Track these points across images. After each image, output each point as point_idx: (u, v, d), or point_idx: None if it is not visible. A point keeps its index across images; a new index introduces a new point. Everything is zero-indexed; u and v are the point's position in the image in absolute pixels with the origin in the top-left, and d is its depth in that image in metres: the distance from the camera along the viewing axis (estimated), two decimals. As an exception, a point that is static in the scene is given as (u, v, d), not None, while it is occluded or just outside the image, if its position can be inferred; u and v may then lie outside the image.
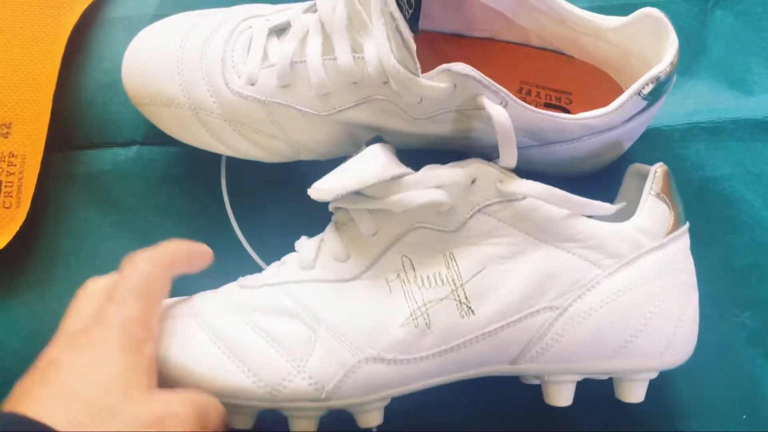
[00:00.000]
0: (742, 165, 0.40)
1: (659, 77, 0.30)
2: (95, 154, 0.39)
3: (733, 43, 0.43)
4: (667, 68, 0.31)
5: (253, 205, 0.39)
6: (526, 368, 0.30)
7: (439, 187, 0.28)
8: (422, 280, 0.29)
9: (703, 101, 0.42)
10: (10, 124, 0.39)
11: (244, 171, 0.38)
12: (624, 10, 0.42)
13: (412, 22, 0.27)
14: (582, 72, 0.38)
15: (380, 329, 0.29)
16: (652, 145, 0.40)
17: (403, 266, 0.29)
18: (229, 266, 0.37)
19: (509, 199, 0.29)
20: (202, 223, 0.38)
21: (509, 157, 0.29)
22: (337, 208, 0.31)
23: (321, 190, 0.28)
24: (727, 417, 0.36)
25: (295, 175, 0.36)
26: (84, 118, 0.40)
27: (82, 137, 0.39)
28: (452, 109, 0.30)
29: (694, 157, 0.40)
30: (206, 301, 0.30)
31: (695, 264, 0.33)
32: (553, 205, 0.29)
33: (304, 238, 0.32)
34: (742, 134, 0.40)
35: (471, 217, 0.29)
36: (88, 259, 0.38)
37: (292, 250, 0.33)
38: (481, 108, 0.29)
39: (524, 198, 0.29)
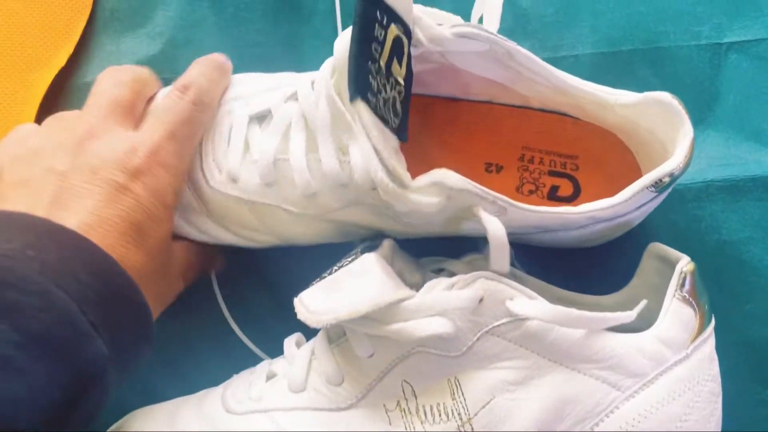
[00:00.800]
0: (761, 227, 0.37)
1: (673, 173, 0.28)
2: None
3: (749, 89, 0.40)
4: (681, 163, 0.28)
5: (242, 285, 0.37)
6: None
7: (442, 314, 0.26)
8: (425, 412, 0.26)
9: (719, 155, 0.39)
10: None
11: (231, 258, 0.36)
12: (630, 57, 0.40)
13: (400, 131, 0.24)
14: (588, 134, 0.35)
15: None
16: (665, 205, 0.37)
17: (404, 393, 0.27)
18: (221, 353, 0.36)
19: (520, 317, 0.26)
20: (195, 310, 0.36)
21: (502, 265, 0.26)
22: None
23: (308, 315, 0.25)
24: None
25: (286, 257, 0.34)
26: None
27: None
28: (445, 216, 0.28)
29: (710, 219, 0.38)
30: (192, 421, 0.28)
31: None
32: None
33: (292, 343, 0.30)
34: (761, 193, 0.38)
35: (478, 339, 0.27)
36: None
37: (287, 329, 0.31)
38: (476, 216, 0.26)
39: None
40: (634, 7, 0.41)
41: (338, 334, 0.28)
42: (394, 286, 0.26)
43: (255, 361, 0.33)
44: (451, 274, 0.29)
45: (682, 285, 0.28)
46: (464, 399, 0.26)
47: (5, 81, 0.39)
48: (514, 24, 0.41)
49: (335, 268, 0.28)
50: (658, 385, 0.27)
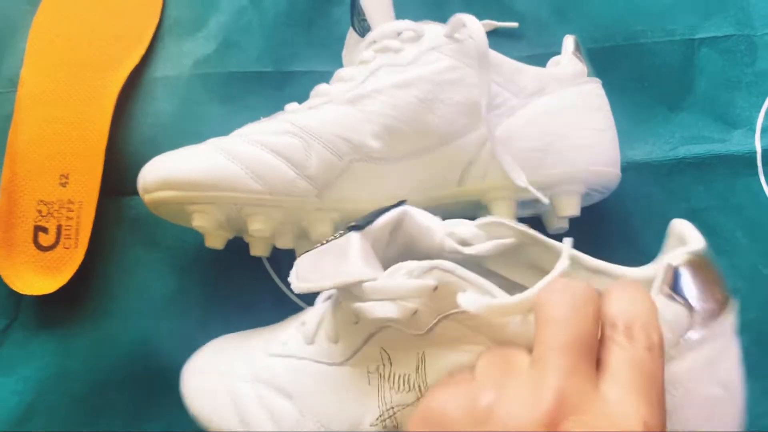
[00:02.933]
0: (723, 197, 0.43)
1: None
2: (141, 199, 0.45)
3: (717, 79, 0.46)
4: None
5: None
6: None
7: (396, 299, 0.27)
8: (394, 380, 0.28)
9: (689, 135, 0.45)
10: (68, 174, 0.45)
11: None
12: (612, 52, 0.46)
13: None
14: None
15: (356, 425, 0.29)
16: (641, 178, 0.44)
17: (381, 359, 0.29)
18: (264, 304, 0.43)
19: None
20: (236, 259, 0.43)
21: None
22: None
23: (294, 281, 0.29)
24: None
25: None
26: (132, 168, 0.45)
27: (131, 184, 0.44)
28: None
29: (680, 191, 0.44)
30: (235, 361, 0.34)
31: None
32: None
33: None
34: (724, 169, 0.44)
35: (437, 323, 0.27)
36: (136, 291, 0.43)
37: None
38: None
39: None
40: (615, 9, 0.48)
41: (340, 301, 0.31)
42: (363, 267, 0.27)
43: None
44: (461, 240, 0.32)
45: (672, 279, 0.26)
46: (425, 374, 0.27)
47: (91, 78, 0.47)
48: (513, 28, 0.47)
49: (329, 239, 0.30)
50: None
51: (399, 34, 0.40)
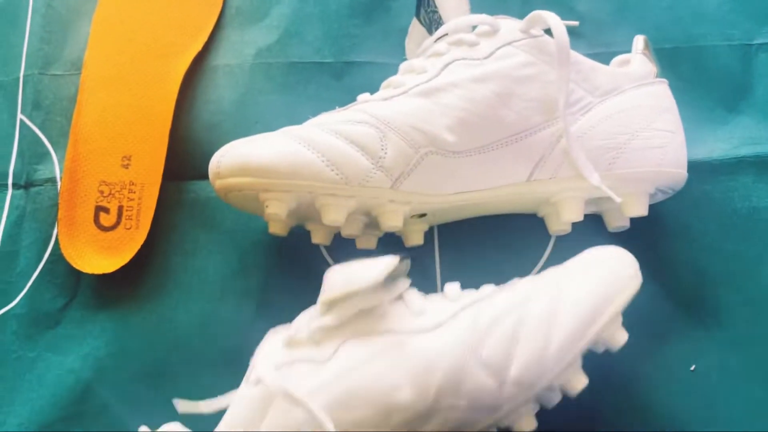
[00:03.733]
0: (788, 196, 0.43)
1: None
2: (202, 184, 0.45)
3: (776, 83, 0.46)
4: None
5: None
6: None
7: None
8: None
9: (750, 136, 0.45)
10: (131, 156, 0.45)
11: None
12: (672, 53, 0.47)
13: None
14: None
15: None
16: (701, 177, 0.44)
17: None
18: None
19: None
20: (295, 245, 0.43)
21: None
22: None
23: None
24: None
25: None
26: (192, 153, 0.45)
27: (191, 169, 0.45)
28: None
29: (742, 189, 0.44)
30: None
31: (745, 288, 0.39)
32: None
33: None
34: (785, 168, 0.44)
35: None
36: (195, 273, 0.43)
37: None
38: None
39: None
40: (675, 11, 0.48)
41: None
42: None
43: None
44: None
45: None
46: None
47: (153, 64, 0.47)
48: (574, 26, 0.48)
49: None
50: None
51: (474, 28, 0.40)
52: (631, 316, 0.35)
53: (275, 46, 0.48)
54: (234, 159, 0.37)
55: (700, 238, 0.43)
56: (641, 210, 0.39)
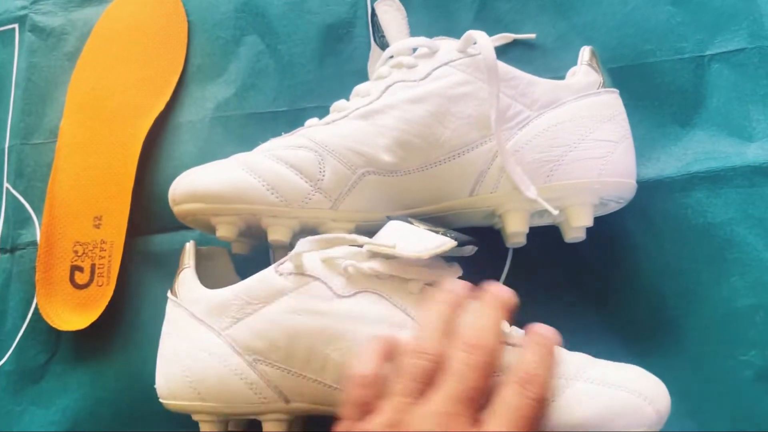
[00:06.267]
0: (743, 210, 0.42)
1: None
2: (167, 237, 0.47)
3: (730, 93, 0.45)
4: None
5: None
6: None
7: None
8: None
9: (703, 151, 0.44)
10: (101, 216, 0.48)
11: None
12: (621, 73, 0.46)
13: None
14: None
15: None
16: (653, 196, 0.43)
17: None
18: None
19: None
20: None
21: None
22: None
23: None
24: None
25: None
26: (157, 208, 0.48)
27: (156, 223, 0.48)
28: None
29: (696, 205, 0.43)
30: None
31: (700, 306, 0.39)
32: None
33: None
34: (741, 181, 0.43)
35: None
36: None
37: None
38: None
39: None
40: (623, 30, 0.48)
41: None
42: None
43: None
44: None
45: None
46: None
47: (122, 126, 0.50)
48: (521, 52, 0.48)
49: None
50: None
51: (414, 50, 0.41)
52: (587, 336, 0.35)
53: (233, 100, 0.50)
54: (185, 186, 0.40)
55: (656, 257, 0.42)
56: (586, 221, 0.39)
